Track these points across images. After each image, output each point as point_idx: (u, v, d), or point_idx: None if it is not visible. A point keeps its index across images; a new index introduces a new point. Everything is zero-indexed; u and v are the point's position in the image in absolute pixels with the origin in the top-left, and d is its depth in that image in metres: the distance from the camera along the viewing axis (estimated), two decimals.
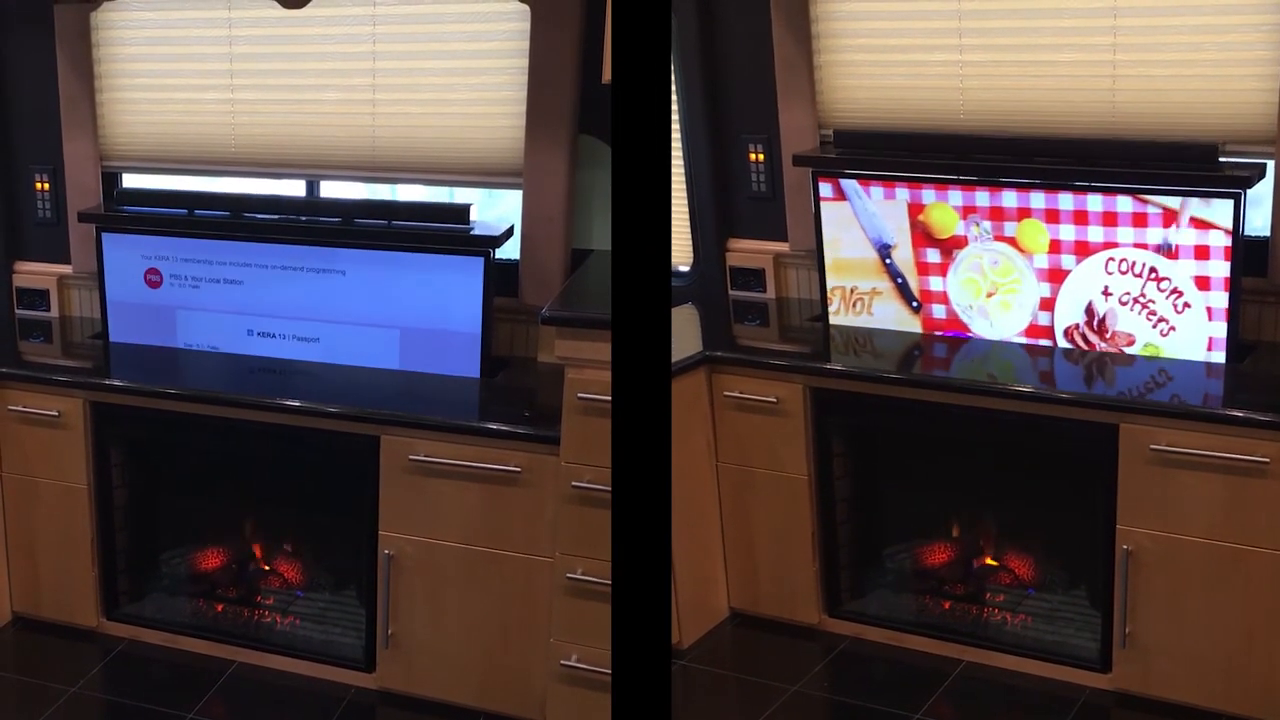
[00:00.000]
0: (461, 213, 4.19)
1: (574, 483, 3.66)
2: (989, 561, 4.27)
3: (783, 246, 4.69)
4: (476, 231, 4.17)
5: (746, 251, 4.75)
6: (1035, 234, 4.15)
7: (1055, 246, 4.13)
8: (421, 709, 3.99)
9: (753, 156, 4.68)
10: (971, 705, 3.93)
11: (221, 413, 4.09)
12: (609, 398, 3.47)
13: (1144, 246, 4.01)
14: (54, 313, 4.86)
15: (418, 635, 3.97)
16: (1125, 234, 4.02)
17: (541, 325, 4.02)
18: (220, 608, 4.40)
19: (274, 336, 4.42)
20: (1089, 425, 3.75)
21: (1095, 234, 4.07)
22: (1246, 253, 3.90)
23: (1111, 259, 4.06)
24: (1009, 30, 4.27)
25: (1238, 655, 3.66)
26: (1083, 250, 4.09)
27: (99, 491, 4.28)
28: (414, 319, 4.25)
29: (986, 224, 4.19)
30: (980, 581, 4.25)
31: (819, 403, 4.12)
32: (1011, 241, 4.18)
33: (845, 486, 4.22)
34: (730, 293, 4.78)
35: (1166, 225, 3.95)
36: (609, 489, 3.53)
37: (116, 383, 4.25)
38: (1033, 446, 3.95)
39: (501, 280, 4.26)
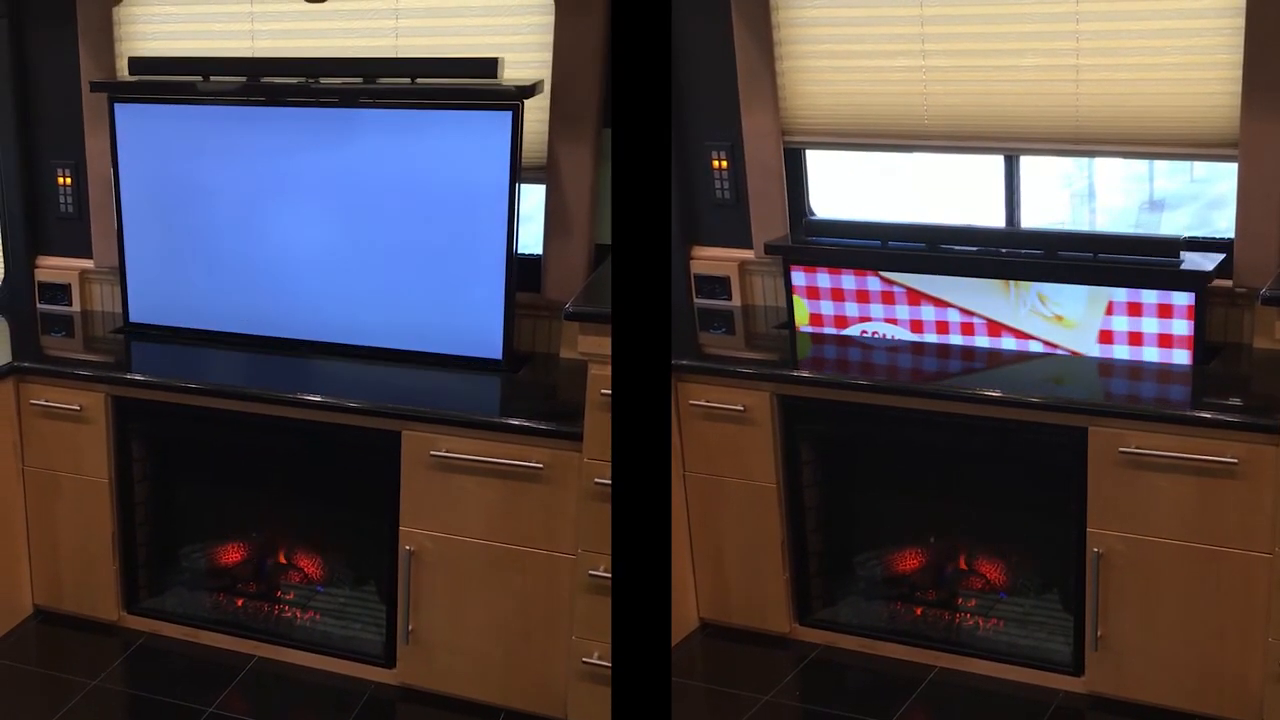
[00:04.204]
0: (490, 66, 4.12)
1: (596, 479, 3.65)
2: (960, 567, 4.25)
3: (747, 254, 4.66)
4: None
5: (711, 259, 4.72)
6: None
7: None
8: (442, 705, 3.98)
9: (716, 164, 4.66)
10: (945, 711, 3.91)
11: (242, 407, 4.08)
12: None
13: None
14: (76, 307, 4.87)
15: (438, 631, 3.96)
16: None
17: (565, 321, 4.00)
18: (240, 602, 4.39)
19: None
20: (1058, 429, 3.73)
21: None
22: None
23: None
24: (972, 35, 4.25)
25: (1209, 655, 3.65)
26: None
27: (120, 486, 4.28)
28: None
29: None
30: (952, 587, 4.23)
31: (787, 410, 4.10)
32: None
33: (814, 494, 4.20)
34: (695, 301, 4.74)
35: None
36: None
37: (138, 377, 4.24)
38: (1002, 450, 3.92)
39: (524, 275, 4.25)
